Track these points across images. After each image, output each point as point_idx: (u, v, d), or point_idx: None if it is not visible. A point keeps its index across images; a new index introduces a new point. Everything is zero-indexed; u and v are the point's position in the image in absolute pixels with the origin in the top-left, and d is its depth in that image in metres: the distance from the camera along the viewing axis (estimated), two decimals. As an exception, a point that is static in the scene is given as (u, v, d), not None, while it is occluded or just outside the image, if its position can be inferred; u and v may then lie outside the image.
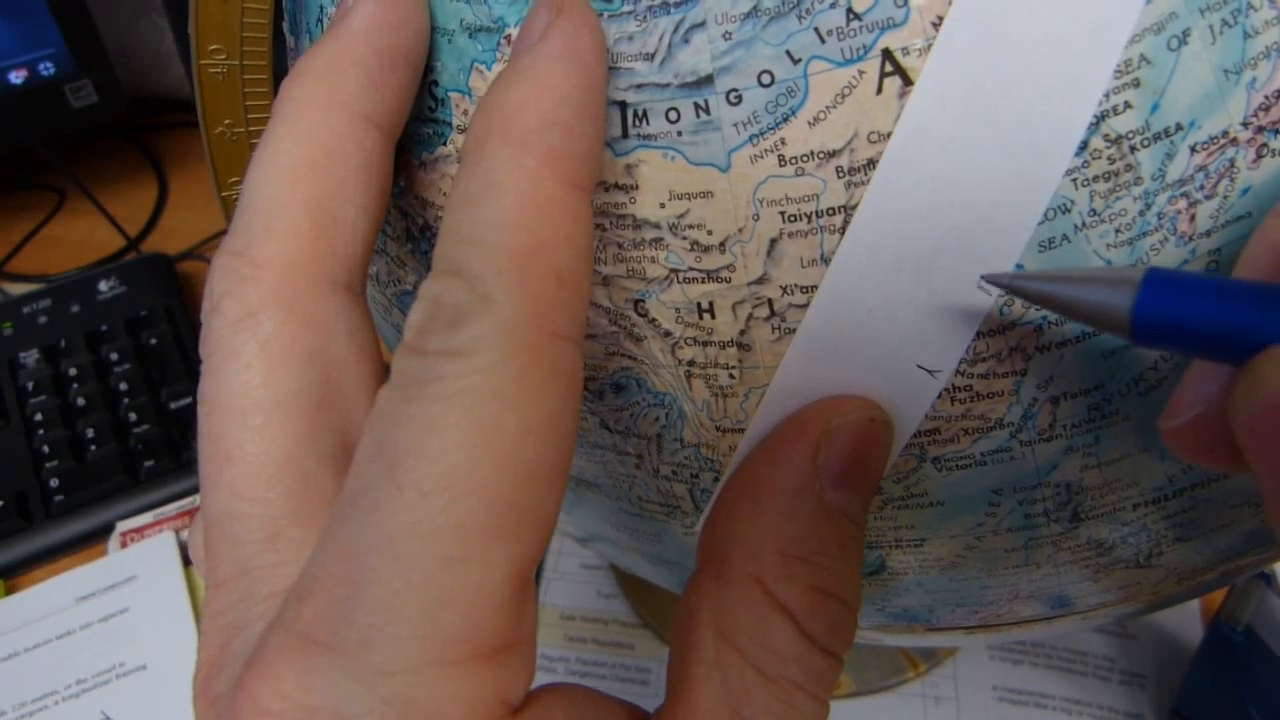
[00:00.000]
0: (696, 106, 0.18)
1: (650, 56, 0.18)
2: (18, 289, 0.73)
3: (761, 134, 0.18)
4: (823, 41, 0.17)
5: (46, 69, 0.71)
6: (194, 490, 0.58)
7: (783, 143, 0.18)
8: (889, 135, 0.17)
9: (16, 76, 0.70)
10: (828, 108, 0.17)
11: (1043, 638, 0.47)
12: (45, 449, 0.59)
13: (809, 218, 0.18)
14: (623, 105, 0.19)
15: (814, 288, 0.19)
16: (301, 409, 0.18)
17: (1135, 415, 0.20)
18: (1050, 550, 0.22)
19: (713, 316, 0.20)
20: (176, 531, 0.55)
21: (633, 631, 0.50)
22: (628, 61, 0.18)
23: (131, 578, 0.53)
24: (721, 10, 0.17)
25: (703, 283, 0.19)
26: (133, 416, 0.61)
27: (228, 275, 0.19)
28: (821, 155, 0.18)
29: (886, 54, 0.17)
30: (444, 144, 0.21)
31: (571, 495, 0.27)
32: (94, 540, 0.57)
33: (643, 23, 0.18)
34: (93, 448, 0.59)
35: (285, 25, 0.27)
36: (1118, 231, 0.18)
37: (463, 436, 0.15)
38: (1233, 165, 0.18)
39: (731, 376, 0.20)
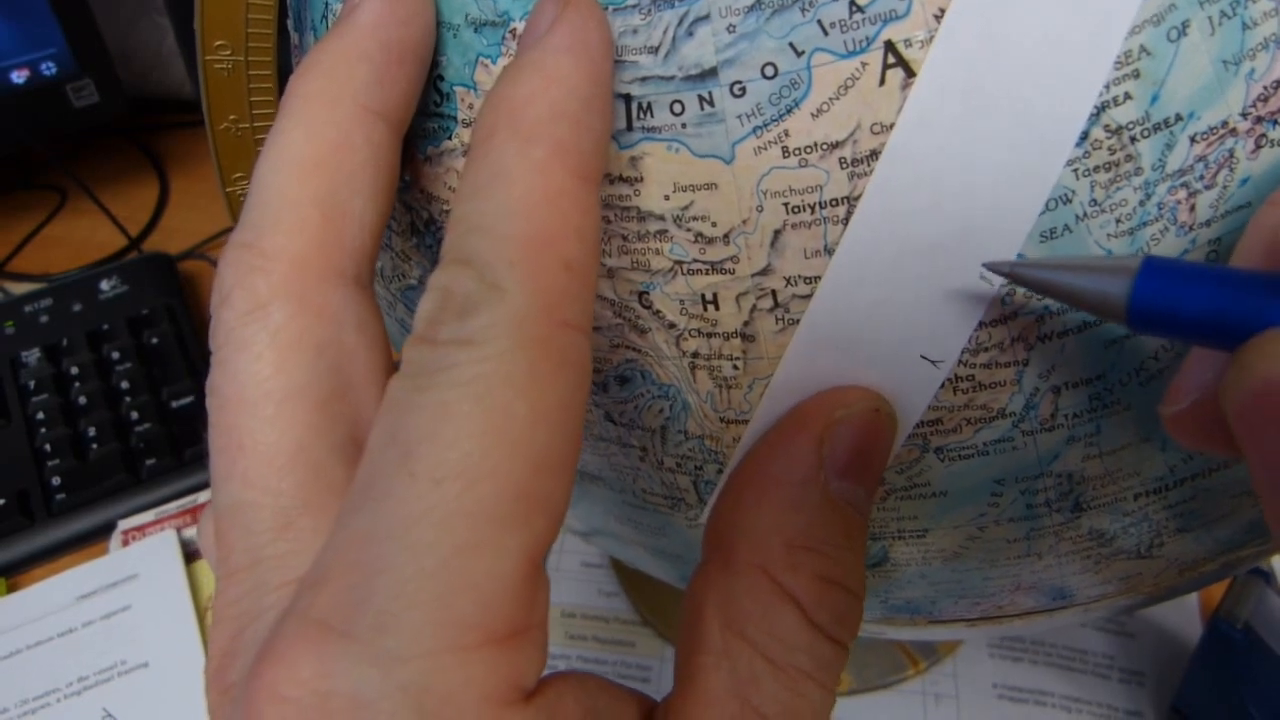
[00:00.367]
0: (701, 99, 0.18)
1: (655, 50, 0.18)
2: (19, 288, 0.73)
3: (765, 126, 0.18)
4: (826, 34, 0.17)
5: (48, 69, 0.71)
6: (195, 489, 0.58)
7: (786, 134, 0.18)
8: (892, 126, 0.17)
9: (18, 76, 0.70)
10: (831, 99, 0.18)
11: (1044, 630, 0.47)
12: (47, 447, 0.59)
13: (812, 209, 0.18)
14: (627, 98, 0.19)
15: (817, 279, 0.19)
16: (312, 400, 0.18)
17: (1136, 405, 0.20)
18: (1052, 541, 0.22)
19: (717, 308, 0.20)
20: (178, 530, 0.55)
21: (633, 629, 0.50)
22: (632, 55, 0.18)
23: (133, 576, 0.53)
24: (725, 3, 0.18)
25: (707, 274, 0.19)
26: (134, 415, 0.61)
27: (237, 267, 0.19)
28: (825, 147, 0.18)
29: (889, 46, 0.17)
30: (449, 138, 0.21)
31: (575, 489, 0.27)
32: (95, 538, 0.57)
33: (647, 16, 0.18)
34: (94, 446, 0.59)
35: (289, 22, 0.27)
36: (1118, 221, 0.18)
37: (475, 424, 0.15)
38: (1232, 155, 0.18)
39: (735, 368, 0.20)
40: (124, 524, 0.56)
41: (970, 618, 0.26)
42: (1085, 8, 0.17)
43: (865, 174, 0.18)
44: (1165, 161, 0.18)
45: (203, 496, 0.57)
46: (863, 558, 0.20)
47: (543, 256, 0.16)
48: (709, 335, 0.20)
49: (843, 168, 0.18)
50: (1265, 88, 0.17)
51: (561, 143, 0.17)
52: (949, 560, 0.23)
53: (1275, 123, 0.18)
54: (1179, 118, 0.17)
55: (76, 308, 0.68)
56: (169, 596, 0.52)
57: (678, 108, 0.18)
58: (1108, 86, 0.17)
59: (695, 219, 0.19)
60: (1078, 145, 0.17)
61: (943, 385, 0.19)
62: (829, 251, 0.18)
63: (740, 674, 0.18)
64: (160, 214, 0.80)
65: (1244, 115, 0.18)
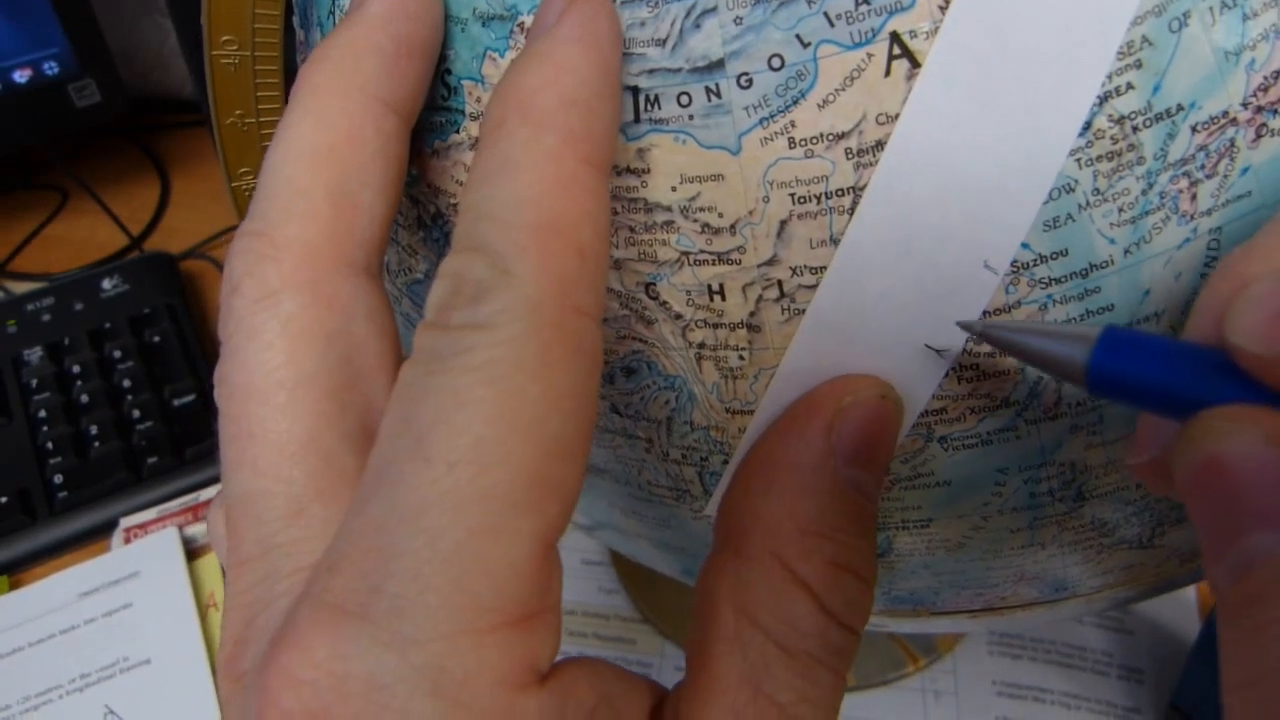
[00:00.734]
0: (708, 90, 0.18)
1: (662, 42, 0.18)
2: (21, 287, 0.73)
3: (772, 117, 0.18)
4: (832, 25, 0.17)
5: (50, 68, 0.71)
6: (197, 487, 0.58)
7: (793, 125, 0.18)
8: (897, 117, 0.18)
9: (20, 76, 0.70)
10: (837, 90, 0.18)
11: (1046, 622, 0.47)
12: (49, 446, 0.60)
13: (818, 199, 0.18)
14: (635, 90, 0.19)
15: (823, 269, 0.19)
16: (323, 388, 0.18)
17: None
18: (1055, 530, 0.23)
19: (723, 298, 0.20)
20: (179, 527, 0.55)
21: (634, 627, 0.51)
22: (640, 47, 0.19)
23: (135, 573, 0.53)
24: (732, -4, 0.18)
25: (713, 265, 0.20)
26: (136, 414, 0.61)
27: (248, 256, 0.19)
28: (831, 137, 0.18)
29: (894, 37, 0.17)
30: (456, 132, 0.21)
31: (581, 479, 0.27)
32: (97, 536, 0.57)
33: (655, 9, 0.18)
34: (96, 444, 0.60)
35: (295, 19, 0.27)
36: (1120, 210, 0.18)
37: (489, 409, 0.15)
38: (1233, 145, 0.18)
39: (741, 358, 0.20)
40: (126, 522, 0.56)
41: (973, 609, 0.26)
42: (1088, -1, 0.17)
43: (871, 164, 0.18)
44: (1167, 151, 0.18)
45: (204, 494, 0.57)
46: (873, 544, 0.20)
47: (554, 242, 0.16)
48: (715, 326, 0.20)
49: (848, 158, 0.18)
50: (1266, 78, 0.18)
51: (572, 130, 0.17)
52: (952, 550, 0.23)
53: (1275, 112, 0.18)
54: (1180, 107, 0.18)
55: (78, 307, 0.68)
56: (171, 594, 0.52)
57: (685, 99, 0.19)
58: (1110, 76, 0.17)
59: (702, 210, 0.19)
60: (1080, 135, 0.17)
61: (947, 374, 0.20)
62: (835, 242, 0.19)
63: (752, 661, 0.18)
64: (161, 213, 0.80)
65: (1245, 105, 0.18)
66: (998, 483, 0.21)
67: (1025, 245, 0.18)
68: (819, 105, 0.18)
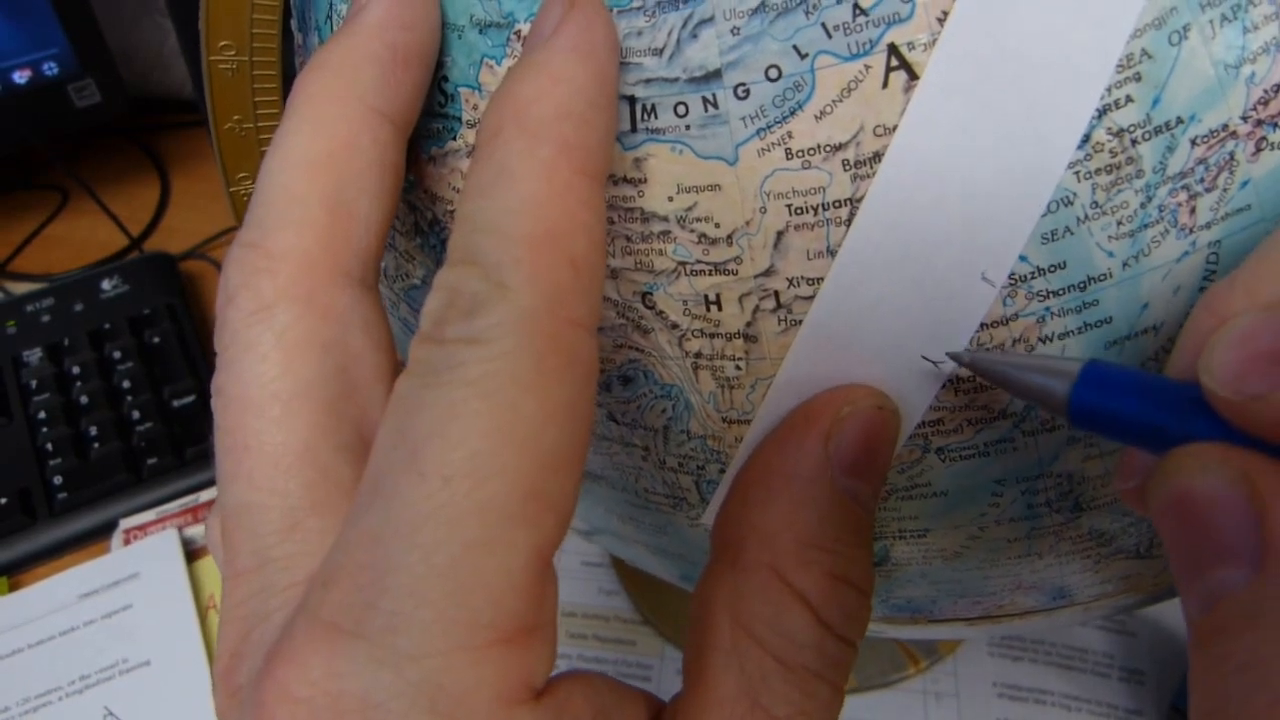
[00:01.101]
0: (704, 101, 0.18)
1: (659, 52, 0.18)
2: (21, 288, 0.73)
3: (769, 128, 0.18)
4: (829, 36, 0.17)
5: (50, 69, 0.71)
6: (197, 488, 0.58)
7: (790, 136, 0.18)
8: (894, 129, 0.18)
9: (20, 76, 0.70)
10: (834, 102, 0.18)
11: (1044, 631, 0.47)
12: (49, 446, 0.60)
13: (815, 210, 0.18)
14: (631, 100, 0.19)
15: (820, 280, 0.19)
16: (319, 400, 0.18)
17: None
18: (1052, 540, 0.23)
19: (720, 308, 0.20)
20: (179, 529, 0.55)
21: (634, 628, 0.51)
22: (636, 56, 0.19)
23: (134, 574, 0.53)
24: (729, 6, 0.18)
25: (710, 275, 0.20)
26: (135, 414, 0.61)
27: (243, 267, 0.19)
28: (828, 149, 0.18)
29: (892, 49, 0.17)
30: (453, 139, 0.21)
31: (578, 487, 0.27)
32: (97, 537, 0.57)
33: (652, 18, 0.18)
34: (96, 445, 0.60)
35: (293, 23, 0.27)
36: (1119, 224, 0.18)
37: (484, 422, 0.15)
38: (1232, 158, 0.18)
39: (738, 368, 0.20)
40: (125, 523, 0.56)
41: (970, 617, 0.26)
42: (1087, 11, 0.17)
43: (868, 176, 0.18)
44: (1166, 164, 0.18)
45: (204, 495, 0.57)
46: (870, 555, 0.20)
47: (549, 254, 0.16)
48: (712, 336, 0.20)
49: (846, 170, 0.18)
50: (1265, 91, 0.18)
51: (567, 141, 0.17)
52: (950, 560, 0.23)
53: (1275, 126, 0.18)
54: (1180, 121, 0.17)
55: (78, 307, 0.68)
56: (170, 595, 0.52)
57: (682, 109, 0.19)
58: (1109, 89, 0.17)
59: (699, 220, 0.19)
60: (1079, 148, 0.17)
61: (944, 385, 0.20)
62: (832, 253, 0.19)
63: (750, 673, 0.18)
64: (161, 214, 0.80)
65: (1244, 118, 0.18)
66: (995, 493, 0.21)
67: (1023, 258, 0.18)
68: (816, 116, 0.18)
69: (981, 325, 0.19)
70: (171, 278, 0.71)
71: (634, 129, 0.19)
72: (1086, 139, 0.17)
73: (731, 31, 0.18)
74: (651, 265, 0.20)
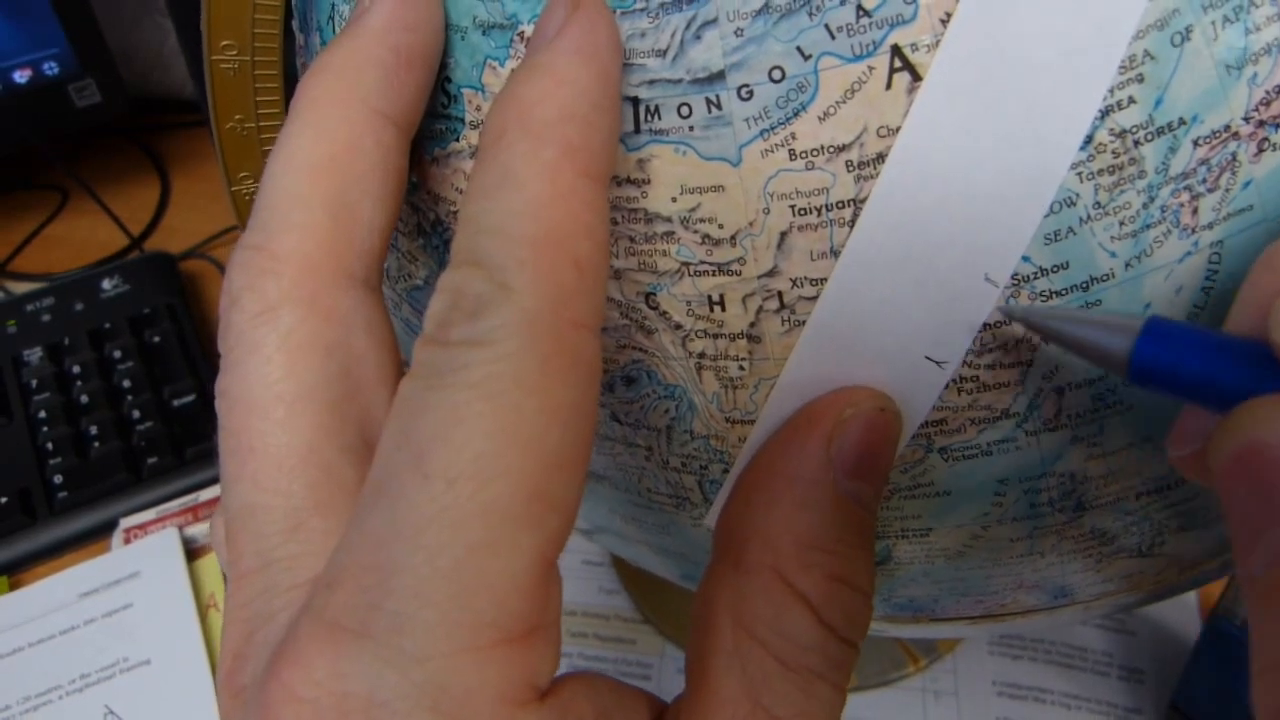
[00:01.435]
0: (708, 102, 0.18)
1: (662, 53, 0.18)
2: (21, 287, 0.73)
3: (772, 129, 0.18)
4: (833, 38, 0.17)
5: (50, 69, 0.71)
6: (197, 487, 0.58)
7: (793, 137, 0.18)
8: (898, 130, 0.18)
9: (20, 76, 0.70)
10: (838, 103, 0.18)
11: (1045, 629, 0.47)
12: (49, 446, 0.60)
13: (819, 211, 0.18)
14: (635, 101, 0.19)
15: (823, 280, 0.19)
16: (322, 402, 0.18)
17: (1138, 405, 0.20)
18: (1054, 540, 0.23)
19: (723, 309, 0.20)
20: (180, 528, 0.55)
21: (634, 627, 0.51)
22: (640, 58, 0.19)
23: (135, 574, 0.53)
24: (733, 7, 0.18)
25: (713, 276, 0.20)
26: (136, 414, 0.61)
27: (247, 269, 0.19)
28: (831, 150, 0.18)
29: (895, 50, 0.17)
30: (456, 140, 0.21)
31: (580, 487, 0.27)
32: (97, 536, 0.57)
33: (655, 19, 0.18)
34: (96, 445, 0.60)
35: (295, 23, 0.27)
36: (1121, 224, 0.18)
37: (488, 424, 0.15)
38: (1234, 159, 0.18)
39: (741, 368, 0.20)
40: (126, 522, 0.56)
41: (972, 615, 0.26)
42: (1090, 12, 0.17)
43: (871, 177, 0.18)
44: (1168, 165, 0.18)
45: (204, 495, 0.57)
46: (872, 557, 0.20)
47: (553, 256, 0.16)
48: (715, 336, 0.20)
49: (849, 171, 0.18)
50: (1268, 92, 0.18)
51: (571, 143, 0.17)
52: (952, 559, 0.24)
53: (1277, 127, 0.18)
54: (1182, 121, 0.18)
55: (78, 307, 0.68)
56: (171, 594, 0.52)
57: (685, 110, 0.19)
58: (1112, 91, 0.17)
59: (702, 221, 0.19)
60: (1082, 149, 0.17)
61: (947, 386, 0.20)
62: (835, 254, 0.19)
63: (751, 675, 0.18)
64: (161, 214, 0.80)
65: (1246, 119, 0.18)
66: (997, 493, 0.21)
67: (1026, 258, 0.18)
68: (820, 118, 0.18)
69: (984, 325, 0.19)
70: (172, 277, 0.71)
71: (637, 130, 0.19)
72: (1089, 140, 0.17)
73: (735, 33, 0.18)
74: (655, 266, 0.20)
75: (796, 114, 0.18)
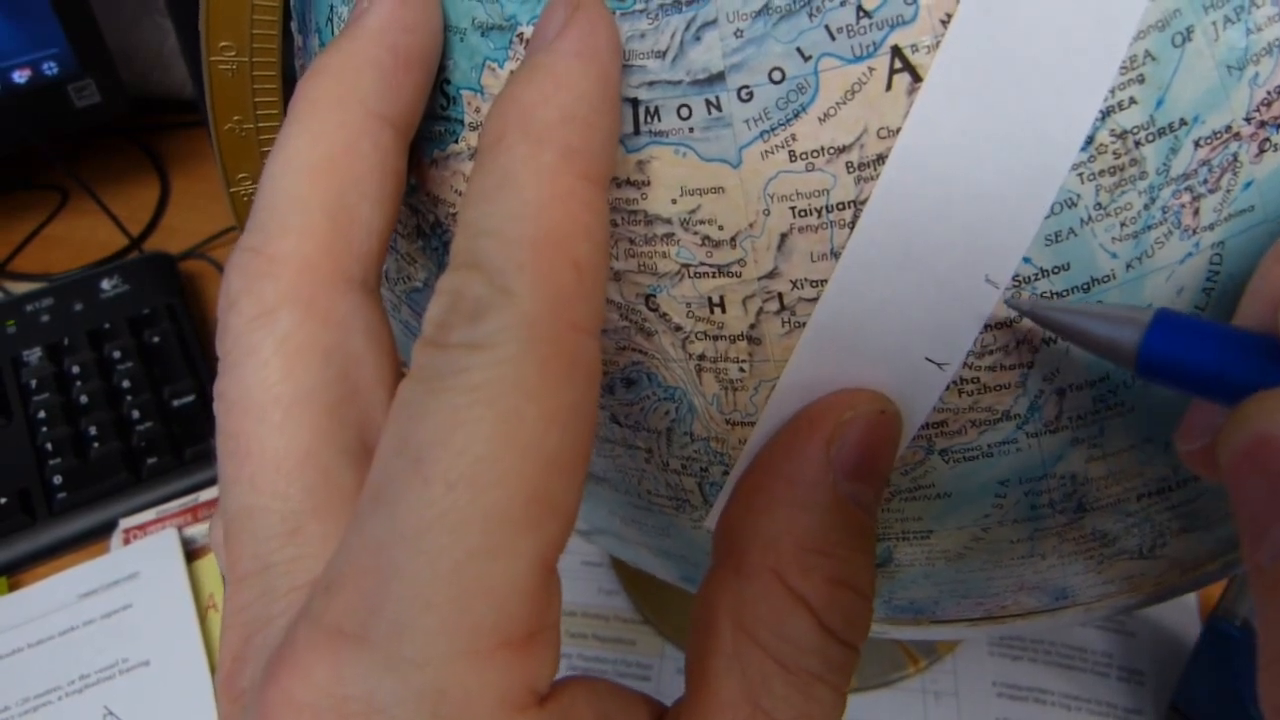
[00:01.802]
0: (708, 103, 0.18)
1: (662, 54, 0.18)
2: (20, 288, 0.73)
3: (772, 130, 0.18)
4: (833, 39, 0.17)
5: (50, 69, 0.71)
6: (196, 488, 0.58)
7: (793, 139, 0.18)
8: (898, 131, 0.18)
9: (20, 76, 0.70)
10: (838, 104, 0.18)
11: (1045, 631, 0.47)
12: (48, 446, 0.59)
13: (819, 213, 0.18)
14: (635, 102, 0.19)
15: (824, 282, 0.19)
16: (320, 405, 0.18)
17: (1139, 407, 0.20)
18: (1055, 541, 0.23)
19: (723, 311, 0.20)
20: (179, 528, 0.55)
21: (634, 628, 0.51)
22: (640, 59, 0.19)
23: (134, 574, 0.53)
24: (733, 8, 0.18)
25: (713, 277, 0.20)
26: (135, 414, 0.61)
27: (244, 272, 0.19)
28: (832, 151, 0.18)
29: (896, 51, 0.17)
30: (455, 141, 0.21)
31: (580, 489, 0.27)
32: (97, 537, 0.57)
33: (655, 21, 0.18)
34: (95, 445, 0.60)
35: (293, 24, 0.27)
36: (1123, 225, 0.18)
37: (487, 429, 0.15)
38: (1235, 160, 0.18)
39: (741, 370, 0.20)
40: (125, 523, 0.56)
41: (973, 617, 0.26)
42: (1090, 13, 0.17)
43: (872, 178, 0.18)
44: (1169, 166, 0.18)
45: (204, 495, 0.57)
46: (872, 559, 0.20)
47: (552, 259, 0.16)
48: (715, 338, 0.20)
49: (849, 172, 0.18)
50: (1269, 92, 0.18)
51: (570, 145, 0.17)
52: (952, 561, 0.23)
53: (1278, 127, 0.18)
54: (1183, 122, 0.17)
55: (78, 307, 0.68)
56: (170, 595, 0.52)
57: (685, 112, 0.18)
58: (1113, 91, 0.17)
59: (702, 222, 0.19)
60: (1083, 149, 0.17)
61: (948, 388, 0.20)
62: (835, 255, 0.19)
63: (751, 678, 0.18)
64: (161, 214, 0.80)
65: (1248, 120, 0.18)
66: (998, 495, 0.21)
67: (1026, 259, 0.18)
68: (820, 119, 0.18)
69: (985, 327, 0.19)
70: (171, 278, 0.70)
71: (637, 131, 0.19)
72: (1090, 140, 0.17)
73: (735, 34, 0.18)
74: (655, 268, 0.20)
75: (796, 115, 0.18)
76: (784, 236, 0.19)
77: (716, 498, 0.23)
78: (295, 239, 0.19)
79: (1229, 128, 0.18)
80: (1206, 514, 0.23)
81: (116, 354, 0.64)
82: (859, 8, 0.17)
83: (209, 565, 0.54)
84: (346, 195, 0.19)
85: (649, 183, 0.19)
